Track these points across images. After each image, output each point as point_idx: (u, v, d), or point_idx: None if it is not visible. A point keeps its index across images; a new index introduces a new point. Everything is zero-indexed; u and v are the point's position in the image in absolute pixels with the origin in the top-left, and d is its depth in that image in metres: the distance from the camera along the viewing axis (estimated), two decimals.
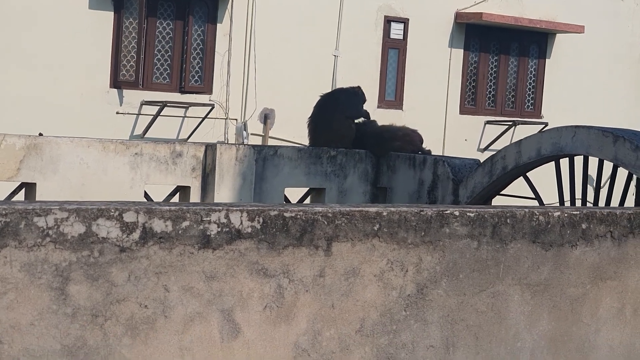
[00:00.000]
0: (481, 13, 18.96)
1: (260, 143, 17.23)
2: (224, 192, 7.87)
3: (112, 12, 16.46)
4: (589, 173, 7.61)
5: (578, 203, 7.72)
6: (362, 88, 9.52)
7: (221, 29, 17.45)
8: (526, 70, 20.21)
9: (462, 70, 19.66)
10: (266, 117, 17.95)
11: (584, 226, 4.32)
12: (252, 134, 17.57)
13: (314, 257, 3.69)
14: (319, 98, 9.41)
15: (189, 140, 16.41)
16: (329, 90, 18.45)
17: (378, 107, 18.92)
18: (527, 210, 4.16)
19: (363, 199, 8.69)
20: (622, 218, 4.42)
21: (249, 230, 3.54)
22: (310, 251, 3.67)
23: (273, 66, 17.79)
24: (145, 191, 7.88)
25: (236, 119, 17.73)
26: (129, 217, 3.31)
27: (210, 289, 3.49)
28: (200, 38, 17.33)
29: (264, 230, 3.57)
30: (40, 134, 9.60)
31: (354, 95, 9.14)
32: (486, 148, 19.41)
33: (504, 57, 19.94)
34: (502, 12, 19.43)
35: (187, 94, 17.14)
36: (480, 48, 19.78)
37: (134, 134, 16.78)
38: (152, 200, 8.01)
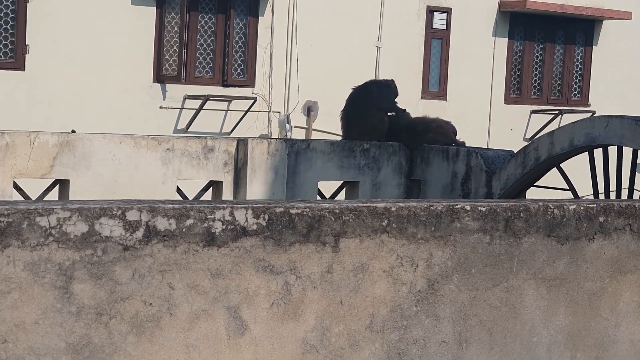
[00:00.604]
0: (525, 1, 18.80)
1: (303, 136, 17.25)
2: (256, 187, 7.89)
3: (155, 7, 16.57)
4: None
5: (613, 195, 7.64)
6: (395, 81, 9.47)
7: (263, 21, 17.48)
8: (572, 58, 20.00)
9: (507, 59, 19.52)
10: (309, 110, 17.95)
11: (601, 219, 4.26)
12: (295, 127, 17.58)
13: (321, 254, 3.68)
14: (351, 90, 9.39)
15: (232, 134, 16.48)
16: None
17: (422, 98, 18.87)
18: (541, 203, 4.12)
19: (397, 191, 8.66)
20: None
21: (255, 227, 3.54)
22: (318, 247, 3.67)
23: (315, 58, 17.79)
24: (177, 186, 7.92)
25: (279, 112, 17.76)
26: (131, 215, 3.33)
27: (215, 287, 3.50)
28: (242, 31, 17.38)
29: (270, 227, 3.57)
30: (73, 131, 9.70)
31: (387, 88, 9.10)
32: (532, 138, 19.24)
33: (550, 45, 19.75)
34: (547, 0, 19.24)
35: (230, 88, 17.21)
36: (525, 36, 19.61)
37: (177, 128, 16.90)
38: (186, 196, 8.06)
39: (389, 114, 9.06)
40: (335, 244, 3.70)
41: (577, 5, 19.44)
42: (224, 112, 17.21)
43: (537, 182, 8.10)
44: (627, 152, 7.36)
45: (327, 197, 8.74)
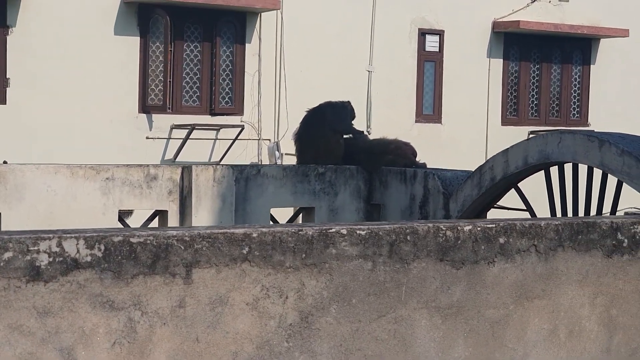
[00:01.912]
0: (518, 21, 18.45)
1: (295, 162, 16.92)
2: (202, 215, 7.56)
3: (138, 37, 16.32)
4: None
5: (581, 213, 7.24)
6: (351, 103, 9.10)
7: (250, 49, 17.20)
8: (570, 77, 19.60)
9: (502, 80, 19.14)
10: None
11: (501, 240, 3.89)
12: (285, 154, 17.24)
13: (170, 286, 3.33)
14: (305, 113, 9.04)
15: (221, 163, 16.16)
16: (362, 107, 18.17)
17: (416, 121, 18.52)
18: (431, 225, 3.75)
19: (356, 216, 8.30)
20: (547, 230, 3.97)
21: (89, 259, 3.20)
22: (166, 279, 3.32)
23: (305, 84, 17.47)
24: (120, 216, 7.60)
25: (269, 139, 17.44)
26: None
27: (44, 326, 3.15)
28: (229, 59, 17.10)
29: (107, 259, 3.22)
30: (5, 162, 9.39)
31: (342, 109, 8.74)
32: None
33: (546, 65, 19.36)
34: (541, 19, 18.88)
35: (218, 116, 16.91)
36: (521, 57, 19.24)
37: (165, 158, 16.61)
38: (129, 226, 7.73)
39: (345, 136, 8.69)
40: (187, 275, 3.34)
41: (573, 24, 19.06)
42: (213, 141, 16.91)
43: (498, 202, 7.72)
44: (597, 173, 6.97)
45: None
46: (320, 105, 9.03)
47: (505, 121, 19.25)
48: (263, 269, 3.46)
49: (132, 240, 3.26)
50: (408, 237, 3.70)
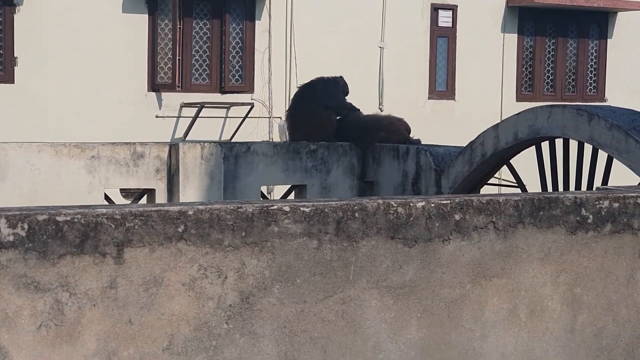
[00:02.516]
0: None
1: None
2: (190, 194, 7.44)
3: (147, 15, 16.21)
4: None
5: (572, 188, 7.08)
6: (344, 78, 8.93)
7: (260, 25, 17.05)
8: (586, 52, 19.32)
9: (517, 55, 18.89)
10: None
11: (457, 217, 3.74)
12: None
13: (100, 267, 3.21)
14: (296, 89, 8.89)
15: (222, 140, 16.05)
16: (374, 84, 18.00)
17: (429, 98, 18.34)
18: (381, 201, 3.61)
19: (349, 194, 8.16)
20: (506, 206, 3.82)
21: (11, 238, 3.09)
22: (96, 259, 3.20)
23: (316, 61, 17.31)
24: (107, 196, 7.50)
25: (280, 117, 17.30)
26: None
27: None
28: (239, 36, 16.96)
29: (32, 238, 3.11)
30: None
31: (334, 85, 8.57)
32: None
33: (562, 39, 19.09)
34: None
35: (228, 94, 16.80)
36: (536, 31, 18.98)
37: (175, 137, 16.53)
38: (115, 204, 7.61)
39: (338, 112, 8.53)
40: (119, 254, 3.23)
41: None
42: (223, 119, 16.79)
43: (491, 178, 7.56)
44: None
45: None
46: (312, 81, 8.87)
47: (520, 97, 19.02)
48: (200, 248, 3.34)
49: (58, 218, 3.14)
50: (356, 215, 3.56)
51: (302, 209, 3.48)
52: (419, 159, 7.65)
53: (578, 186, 6.83)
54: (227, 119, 16.82)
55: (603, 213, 4.04)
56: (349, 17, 17.49)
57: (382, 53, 17.95)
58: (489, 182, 7.57)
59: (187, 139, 16.27)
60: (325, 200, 3.53)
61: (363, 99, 17.82)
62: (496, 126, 7.12)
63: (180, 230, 3.31)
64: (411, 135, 8.42)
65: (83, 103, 15.70)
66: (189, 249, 3.33)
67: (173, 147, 7.52)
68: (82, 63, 15.67)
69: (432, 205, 3.68)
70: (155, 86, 16.29)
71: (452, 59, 18.47)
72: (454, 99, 18.50)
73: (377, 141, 8.23)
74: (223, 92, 16.81)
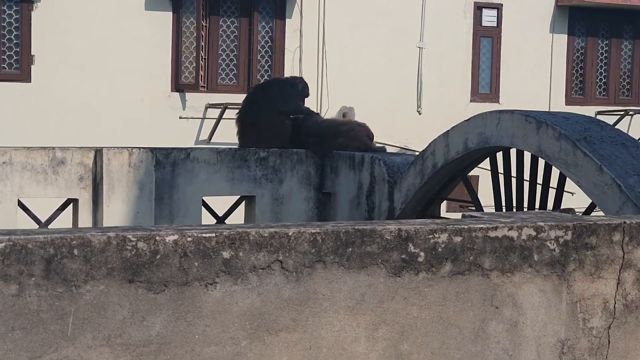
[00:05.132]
0: None
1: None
2: (115, 205, 6.74)
3: (171, 12, 15.64)
4: None
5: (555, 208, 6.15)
6: (305, 80, 8.10)
7: (290, 24, 16.34)
8: None
9: (567, 57, 17.84)
10: (344, 116, 16.72)
11: (226, 255, 2.93)
12: None
13: None
14: (250, 90, 8.11)
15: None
16: (412, 85, 17.14)
17: (471, 100, 17.44)
18: (112, 235, 2.82)
19: (306, 206, 7.37)
20: (299, 241, 3.00)
21: None
22: None
23: (349, 61, 16.56)
24: (25, 206, 6.84)
25: None
26: None
27: None
28: (268, 35, 16.27)
29: None
30: None
31: (291, 87, 7.73)
32: None
33: (616, 40, 17.96)
34: None
35: None
36: (587, 32, 17.89)
37: (199, 139, 15.92)
38: (36, 217, 6.97)
39: (294, 116, 7.72)
40: None
41: None
42: None
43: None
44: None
45: (221, 215, 7.50)
46: (267, 82, 8.10)
47: (569, 101, 17.96)
48: None
49: None
50: (75, 251, 2.78)
51: None
52: (373, 169, 6.82)
53: (532, 204, 5.93)
54: None
55: (440, 249, 3.20)
56: (385, 16, 16.68)
57: (420, 53, 17.10)
58: (448, 197, 6.71)
59: (211, 140, 15.65)
60: (31, 233, 2.76)
61: (400, 102, 17.01)
62: (447, 133, 6.24)
63: None
64: (374, 142, 7.57)
65: (103, 103, 15.19)
66: None
67: (98, 152, 6.82)
68: (102, 62, 15.16)
69: (189, 239, 2.88)
70: (179, 86, 15.72)
71: (496, 60, 17.52)
72: (497, 101, 17.55)
73: (336, 148, 7.41)
74: None
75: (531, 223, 3.31)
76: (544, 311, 3.35)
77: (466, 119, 6.12)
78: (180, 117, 15.85)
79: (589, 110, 17.94)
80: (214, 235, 2.92)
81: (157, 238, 2.86)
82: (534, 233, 3.32)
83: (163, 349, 2.90)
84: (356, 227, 3.08)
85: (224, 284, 2.95)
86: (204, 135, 15.91)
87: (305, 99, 7.81)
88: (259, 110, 7.58)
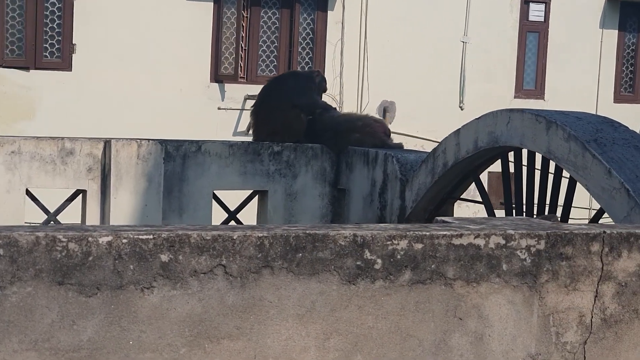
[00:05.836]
0: None
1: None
2: (123, 197, 6.64)
3: (212, 3, 15.55)
4: None
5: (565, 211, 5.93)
6: (322, 73, 7.90)
7: (332, 16, 16.17)
8: None
9: (617, 53, 17.45)
10: (385, 111, 16.53)
11: (164, 258, 2.79)
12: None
13: None
14: (265, 83, 7.94)
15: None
16: (455, 81, 16.88)
17: (515, 97, 17.13)
18: (41, 234, 2.69)
19: (320, 202, 7.21)
20: (244, 245, 2.84)
21: None
22: None
23: (392, 55, 16.35)
24: (33, 194, 6.76)
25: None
26: None
27: None
28: (309, 27, 16.11)
29: None
30: None
31: (307, 81, 7.54)
32: None
33: None
34: None
35: None
36: (639, 28, 17.47)
37: (238, 130, 15.84)
38: (44, 207, 6.90)
39: (309, 111, 7.53)
40: None
41: None
42: None
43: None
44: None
45: (233, 209, 7.36)
46: (283, 75, 7.93)
47: (618, 98, 17.58)
48: None
49: None
50: (1, 251, 2.66)
51: None
52: (386, 166, 6.64)
53: (541, 208, 5.71)
54: None
55: (399, 257, 3.02)
56: (429, 10, 16.45)
57: (464, 48, 16.83)
58: (461, 197, 6.50)
59: (249, 132, 15.57)
60: None
61: (442, 96, 16.76)
62: (458, 131, 6.05)
63: None
64: (391, 139, 7.38)
65: (142, 93, 15.16)
66: None
67: (107, 143, 6.73)
68: (142, 52, 15.13)
69: (124, 241, 2.74)
70: (218, 77, 15.63)
71: (542, 56, 17.19)
72: (543, 98, 17.22)
73: (351, 144, 7.23)
74: None
75: (500, 231, 3.13)
76: (512, 324, 3.17)
77: (476, 117, 5.92)
78: (219, 108, 15.76)
79: (638, 109, 17.56)
80: (151, 237, 2.78)
81: (90, 239, 2.73)
82: (502, 241, 3.13)
83: (95, 354, 2.77)
84: (307, 232, 2.92)
85: (161, 289, 2.81)
86: (243, 127, 15.81)
87: (323, 93, 7.65)
88: (274, 104, 7.44)
